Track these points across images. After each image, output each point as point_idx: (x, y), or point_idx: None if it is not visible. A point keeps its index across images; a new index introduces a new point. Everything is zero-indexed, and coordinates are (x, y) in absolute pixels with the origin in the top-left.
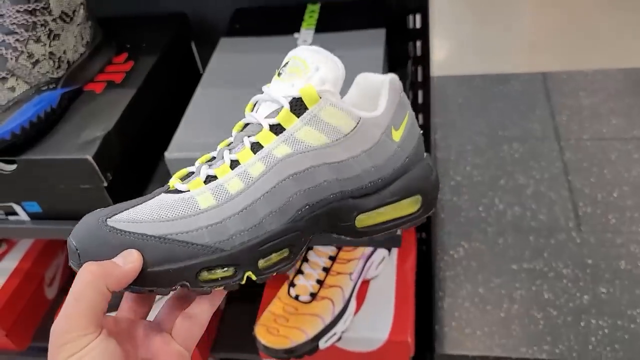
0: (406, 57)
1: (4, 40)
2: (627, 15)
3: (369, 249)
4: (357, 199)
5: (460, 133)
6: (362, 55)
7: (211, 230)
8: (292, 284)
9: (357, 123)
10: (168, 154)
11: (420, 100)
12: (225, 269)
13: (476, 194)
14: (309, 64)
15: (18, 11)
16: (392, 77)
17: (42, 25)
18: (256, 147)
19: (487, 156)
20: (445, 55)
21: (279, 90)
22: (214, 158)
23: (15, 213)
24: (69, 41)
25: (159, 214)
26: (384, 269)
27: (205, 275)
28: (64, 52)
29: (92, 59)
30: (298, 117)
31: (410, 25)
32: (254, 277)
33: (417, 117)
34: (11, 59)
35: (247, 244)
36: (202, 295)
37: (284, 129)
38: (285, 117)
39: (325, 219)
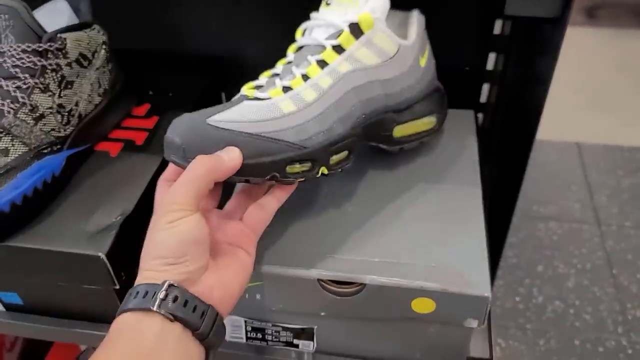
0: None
1: (1, 87)
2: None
3: None
4: (396, 112)
5: None
6: (450, 143)
7: (296, 131)
8: None
9: (398, 48)
10: None
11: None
12: (306, 163)
13: (512, 280)
14: None
15: (24, 51)
16: (418, 12)
17: (53, 70)
18: (322, 64)
19: (522, 235)
20: None
21: (334, 16)
22: (260, 86)
23: None
24: (84, 90)
25: (249, 117)
26: None
27: (290, 168)
28: (76, 104)
29: (108, 110)
30: (356, 39)
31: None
32: (325, 172)
33: None
34: (8, 112)
35: (323, 143)
36: (283, 186)
37: (344, 49)
38: (346, 39)
39: (373, 128)
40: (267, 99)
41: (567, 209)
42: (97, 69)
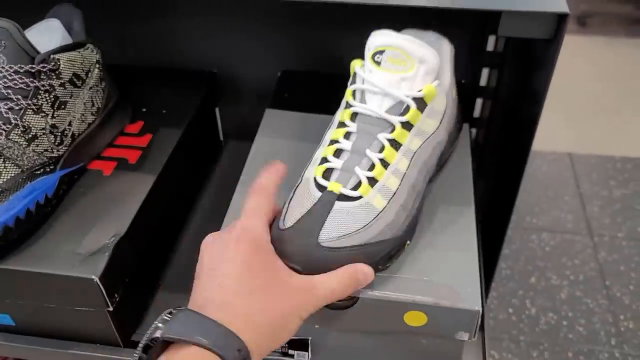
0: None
1: None
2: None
3: None
4: None
5: None
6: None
7: (391, 227)
8: None
9: (446, 102)
10: None
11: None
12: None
13: (505, 292)
14: (410, 55)
15: (17, 72)
16: (448, 42)
17: (46, 91)
18: (394, 144)
19: (515, 246)
20: None
21: (389, 83)
22: (330, 169)
23: None
24: (77, 109)
25: (354, 226)
26: None
27: (389, 261)
28: (69, 124)
29: (102, 129)
30: (421, 112)
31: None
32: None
33: None
34: (0, 134)
35: (410, 226)
36: None
37: (412, 125)
38: (413, 115)
39: None
40: (359, 197)
41: (559, 220)
42: (91, 88)
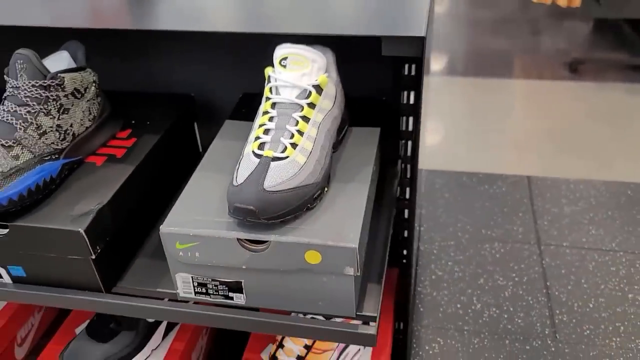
0: (397, 155)
1: (15, 111)
2: (612, 130)
3: None
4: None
5: (444, 228)
6: (356, 150)
7: (312, 174)
8: (273, 358)
9: (335, 88)
10: (163, 228)
11: (407, 195)
12: (320, 192)
13: (455, 291)
14: (307, 58)
15: (34, 86)
16: (330, 50)
17: (53, 100)
18: (305, 119)
19: (469, 253)
20: (436, 148)
21: (294, 78)
22: (263, 143)
23: None
24: (77, 115)
25: (286, 175)
26: None
27: (315, 201)
28: (71, 125)
29: (97, 132)
30: (319, 95)
31: (403, 127)
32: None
33: (402, 212)
34: (20, 129)
35: (324, 174)
36: None
37: (315, 105)
38: (314, 97)
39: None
40: (286, 157)
41: (511, 231)
42: (88, 100)
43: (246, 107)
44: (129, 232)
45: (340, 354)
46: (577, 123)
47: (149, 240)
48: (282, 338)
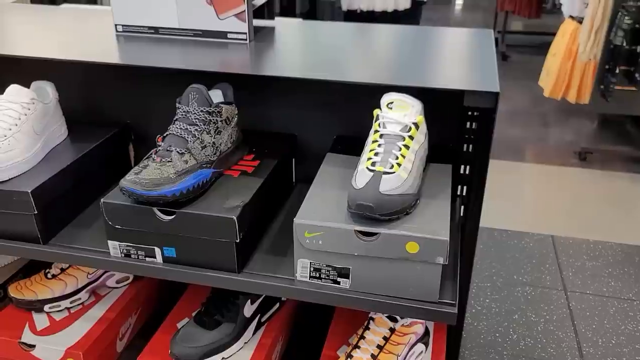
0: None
1: (187, 129)
2: (620, 205)
3: (414, 338)
4: None
5: (480, 272)
6: (435, 178)
7: (411, 187)
8: (349, 356)
9: (425, 126)
10: (297, 220)
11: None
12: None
13: (493, 323)
14: (408, 103)
15: (202, 111)
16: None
17: (213, 123)
18: (406, 147)
19: (504, 294)
20: None
21: (399, 117)
22: (375, 162)
23: (153, 256)
24: (225, 137)
25: (396, 184)
26: None
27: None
28: (220, 144)
29: (234, 152)
30: (417, 130)
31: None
32: None
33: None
34: (190, 141)
35: (419, 189)
36: None
37: (413, 137)
38: (413, 131)
39: None
40: (393, 172)
41: (540, 279)
42: (232, 127)
43: (341, 145)
44: (258, 226)
45: (409, 350)
46: (587, 204)
47: (270, 230)
48: (358, 340)
